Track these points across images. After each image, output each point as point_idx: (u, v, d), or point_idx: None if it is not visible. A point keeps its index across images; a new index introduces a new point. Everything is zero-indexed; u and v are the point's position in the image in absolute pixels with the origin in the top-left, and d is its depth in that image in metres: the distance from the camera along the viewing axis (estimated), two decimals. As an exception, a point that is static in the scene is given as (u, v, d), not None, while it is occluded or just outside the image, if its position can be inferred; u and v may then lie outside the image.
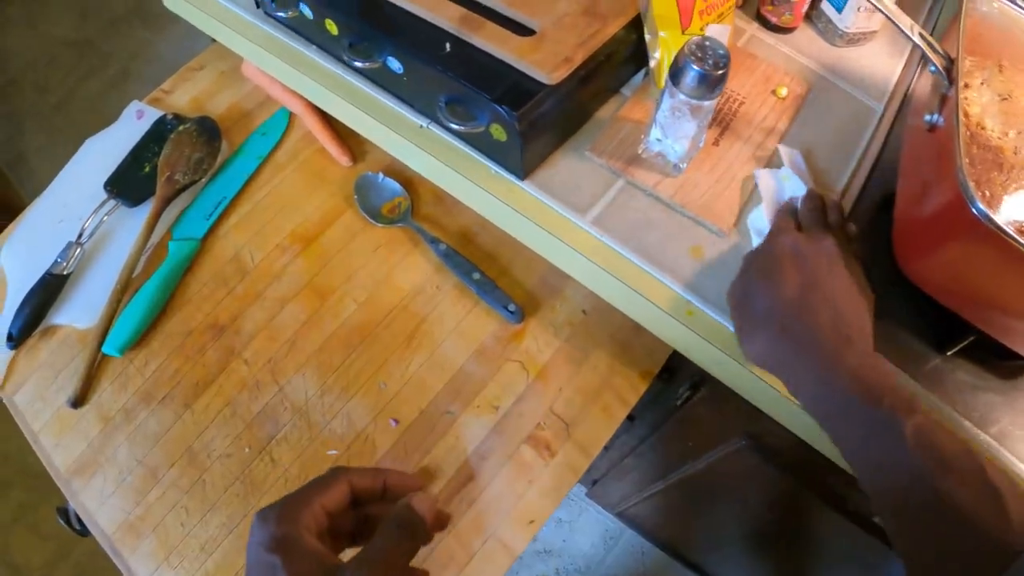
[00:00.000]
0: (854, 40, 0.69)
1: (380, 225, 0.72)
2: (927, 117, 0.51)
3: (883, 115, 0.65)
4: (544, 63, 0.53)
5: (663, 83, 0.53)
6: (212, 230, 0.73)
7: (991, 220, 0.42)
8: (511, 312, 0.65)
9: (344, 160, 0.75)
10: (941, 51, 0.52)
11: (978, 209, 0.42)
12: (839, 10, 0.67)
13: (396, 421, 0.62)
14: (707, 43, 0.50)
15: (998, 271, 0.46)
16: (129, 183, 0.74)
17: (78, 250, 0.69)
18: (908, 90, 0.67)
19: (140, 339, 0.67)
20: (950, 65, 0.51)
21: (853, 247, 0.51)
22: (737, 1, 0.65)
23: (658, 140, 0.57)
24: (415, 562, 0.38)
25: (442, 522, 0.42)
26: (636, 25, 0.59)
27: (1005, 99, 0.49)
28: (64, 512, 0.64)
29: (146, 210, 0.71)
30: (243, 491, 0.60)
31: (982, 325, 0.51)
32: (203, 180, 0.74)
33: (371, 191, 0.73)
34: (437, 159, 0.60)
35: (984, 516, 0.36)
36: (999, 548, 0.36)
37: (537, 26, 0.55)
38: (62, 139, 1.88)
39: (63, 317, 0.68)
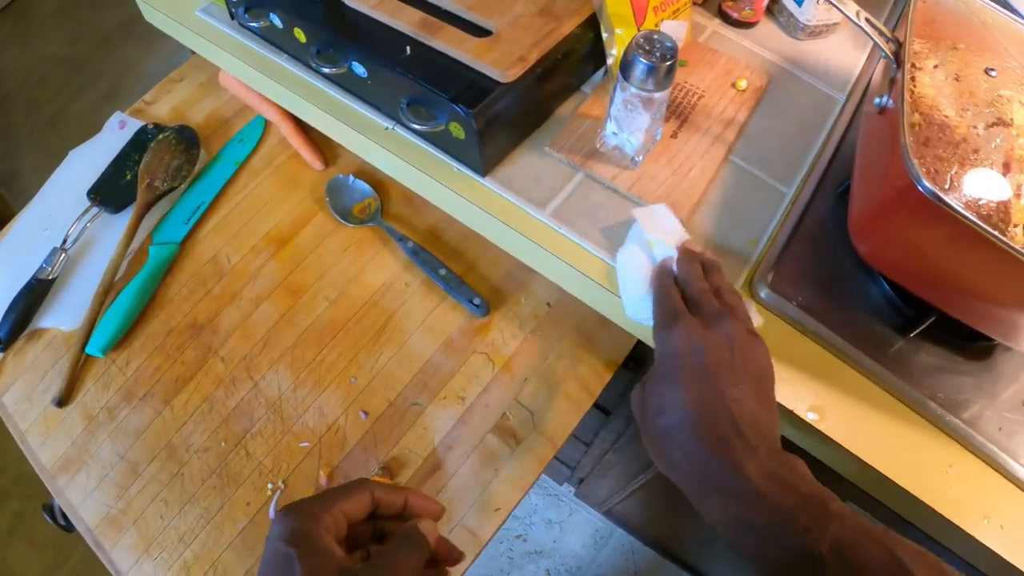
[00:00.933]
0: (816, 33, 0.70)
1: (351, 225, 0.74)
2: (876, 100, 0.52)
3: (845, 104, 0.66)
4: (499, 62, 0.54)
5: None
6: (191, 234, 0.75)
7: (937, 197, 0.43)
8: (476, 306, 0.67)
9: (317, 164, 0.78)
10: (890, 35, 0.53)
11: (924, 187, 0.43)
12: (799, 4, 0.68)
13: (366, 413, 0.64)
14: (655, 36, 0.51)
15: (949, 249, 0.47)
16: (111, 191, 0.76)
17: (63, 256, 0.72)
18: (871, 80, 0.68)
19: (122, 340, 0.69)
20: (898, 48, 0.52)
21: (740, 311, 0.47)
22: (695, -2, 0.67)
23: (614, 134, 0.59)
24: None
25: (454, 558, 0.41)
26: (592, 24, 0.61)
27: (958, 80, 0.49)
28: (50, 508, 0.66)
29: (128, 216, 0.74)
30: (219, 483, 0.62)
31: (940, 304, 0.51)
32: (182, 186, 0.77)
33: (342, 193, 0.75)
34: (403, 160, 0.62)
35: None
36: None
37: (494, 27, 0.57)
38: (54, 155, 1.91)
39: (49, 320, 0.70)
